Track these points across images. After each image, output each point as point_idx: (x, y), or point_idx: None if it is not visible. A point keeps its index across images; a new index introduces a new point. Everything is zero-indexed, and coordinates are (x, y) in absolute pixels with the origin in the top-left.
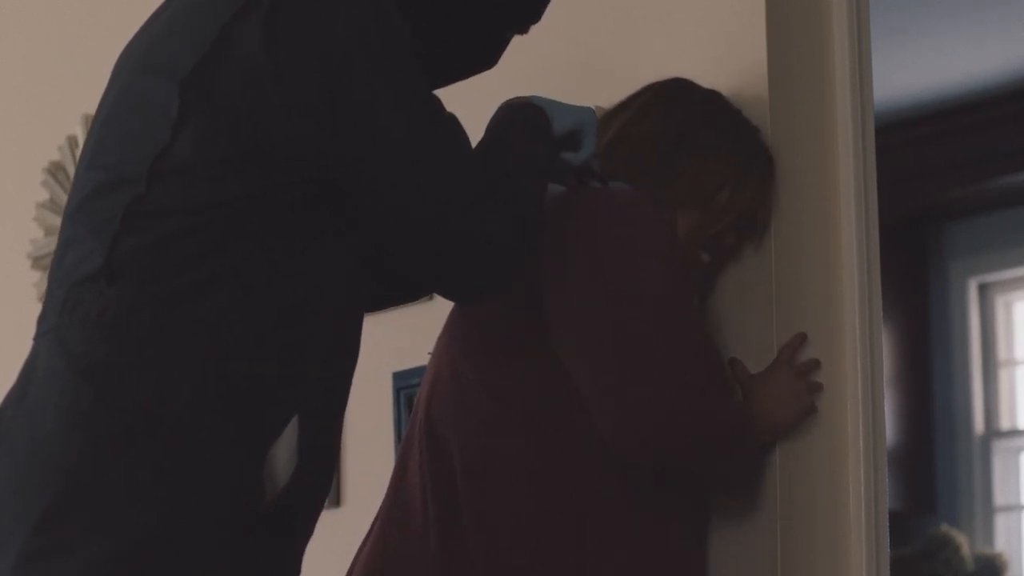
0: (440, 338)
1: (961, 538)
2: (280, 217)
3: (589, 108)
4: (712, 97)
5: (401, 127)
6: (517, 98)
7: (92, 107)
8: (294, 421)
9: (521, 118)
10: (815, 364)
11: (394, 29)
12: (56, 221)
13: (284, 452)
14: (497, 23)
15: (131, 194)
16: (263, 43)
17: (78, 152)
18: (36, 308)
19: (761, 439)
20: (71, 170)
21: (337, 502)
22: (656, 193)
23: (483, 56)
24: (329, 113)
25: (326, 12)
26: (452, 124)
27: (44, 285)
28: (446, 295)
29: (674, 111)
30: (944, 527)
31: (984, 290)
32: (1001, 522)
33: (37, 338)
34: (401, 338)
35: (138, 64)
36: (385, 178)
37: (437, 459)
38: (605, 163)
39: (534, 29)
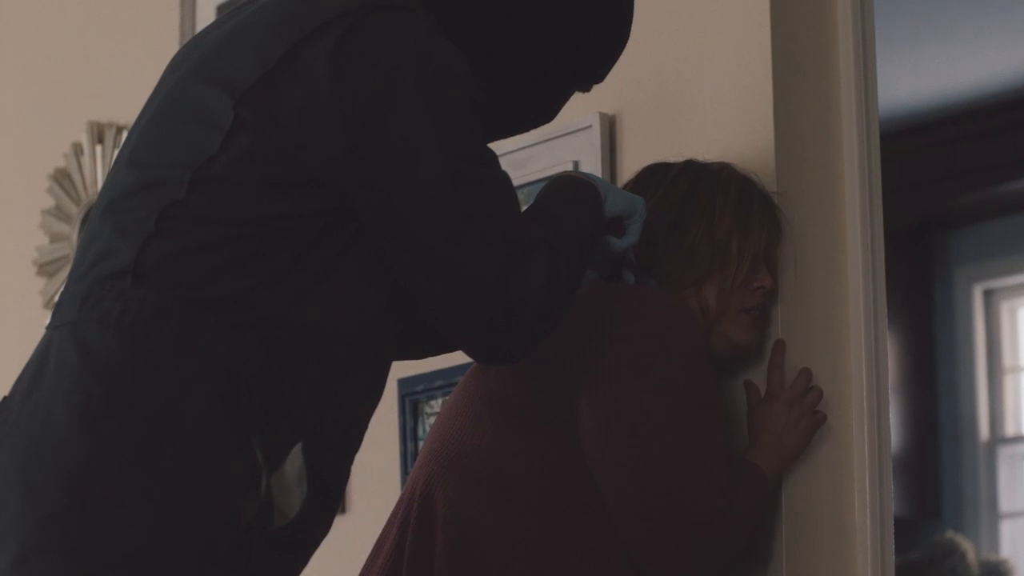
0: (447, 409)
1: (967, 544)
2: (310, 239)
3: (641, 199)
4: (687, 166)
5: (438, 165)
6: (574, 171)
7: (98, 114)
8: (298, 449)
9: (572, 188)
10: (806, 378)
11: (454, 73)
12: (62, 228)
13: (293, 480)
14: (562, 81)
15: (169, 197)
16: (328, 70)
17: (83, 159)
18: (42, 314)
19: (776, 473)
20: (76, 177)
21: (342, 509)
22: (680, 278)
23: (543, 112)
24: (370, 143)
25: (392, 49)
26: (498, 173)
27: (50, 291)
28: (462, 339)
29: (662, 191)
30: (949, 534)
31: (989, 296)
32: (1007, 528)
33: (51, 329)
34: None
35: (192, 71)
36: (412, 213)
37: (422, 532)
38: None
39: None
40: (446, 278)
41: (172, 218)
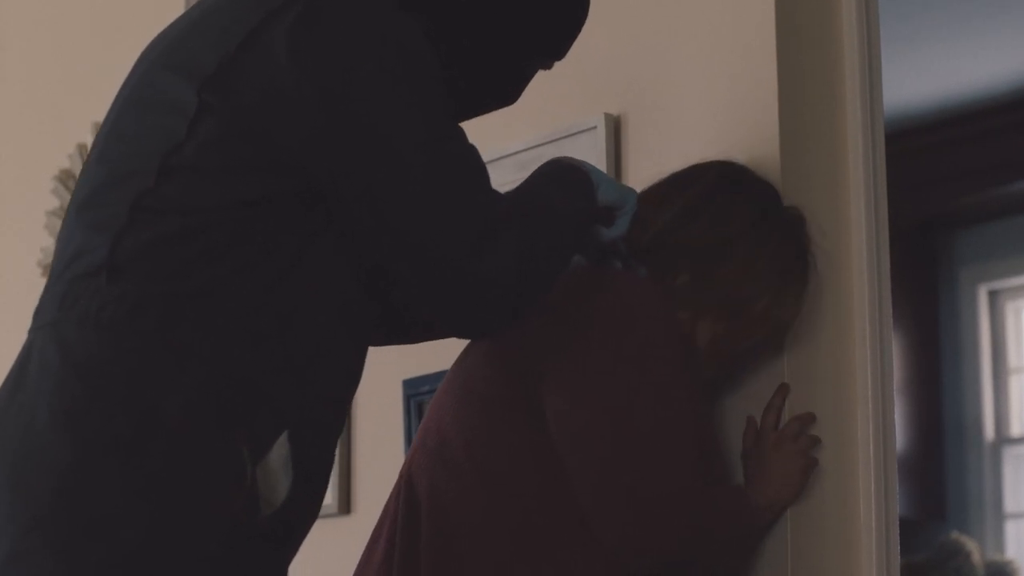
0: (433, 400)
1: (972, 545)
2: (283, 223)
3: (633, 191)
4: (761, 196)
5: (403, 142)
6: (567, 158)
7: (102, 114)
8: (283, 437)
9: (562, 172)
10: (800, 422)
11: (415, 49)
12: None
13: (278, 469)
14: (521, 59)
15: (139, 188)
16: (287, 51)
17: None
18: None
19: (771, 514)
20: None
21: (347, 510)
22: (686, 293)
23: (505, 91)
24: (336, 124)
25: (351, 26)
26: (465, 149)
27: None
28: (438, 317)
29: (723, 217)
30: (955, 534)
31: (994, 297)
32: (1012, 529)
33: (33, 331)
34: (411, 345)
35: (157, 62)
36: (380, 191)
37: (409, 523)
38: (650, 258)
39: None
40: (421, 259)
41: (144, 208)
